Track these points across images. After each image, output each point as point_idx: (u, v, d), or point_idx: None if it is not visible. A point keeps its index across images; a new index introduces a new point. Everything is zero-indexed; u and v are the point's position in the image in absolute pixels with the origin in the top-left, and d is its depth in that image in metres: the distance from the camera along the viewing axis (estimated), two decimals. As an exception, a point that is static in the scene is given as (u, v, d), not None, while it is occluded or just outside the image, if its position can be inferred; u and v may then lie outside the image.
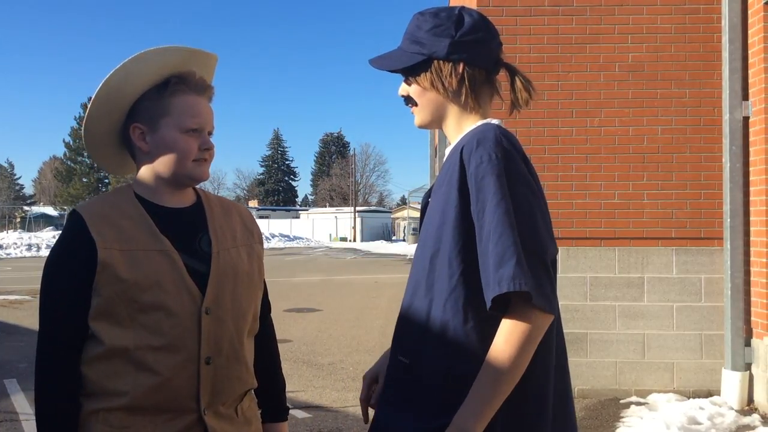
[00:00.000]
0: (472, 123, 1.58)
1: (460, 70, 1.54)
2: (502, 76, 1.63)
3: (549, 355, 1.48)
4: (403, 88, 1.63)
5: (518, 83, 1.59)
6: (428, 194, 1.63)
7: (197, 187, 1.77)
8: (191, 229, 1.66)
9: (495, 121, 1.56)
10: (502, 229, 1.36)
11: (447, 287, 1.45)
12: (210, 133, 1.68)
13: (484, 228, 1.39)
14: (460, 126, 1.59)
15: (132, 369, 1.53)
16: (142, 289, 1.54)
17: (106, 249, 1.54)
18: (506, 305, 1.38)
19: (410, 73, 1.59)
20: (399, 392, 1.53)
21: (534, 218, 1.41)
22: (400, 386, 1.53)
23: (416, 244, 1.59)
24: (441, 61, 1.54)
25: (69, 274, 1.55)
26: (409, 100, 1.62)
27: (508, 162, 1.41)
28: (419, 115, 1.61)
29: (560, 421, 1.51)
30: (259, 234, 1.82)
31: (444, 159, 1.61)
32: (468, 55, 1.54)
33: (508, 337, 1.36)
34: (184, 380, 1.56)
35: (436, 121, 1.61)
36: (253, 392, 1.80)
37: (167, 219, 1.64)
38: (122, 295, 1.53)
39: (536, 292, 1.34)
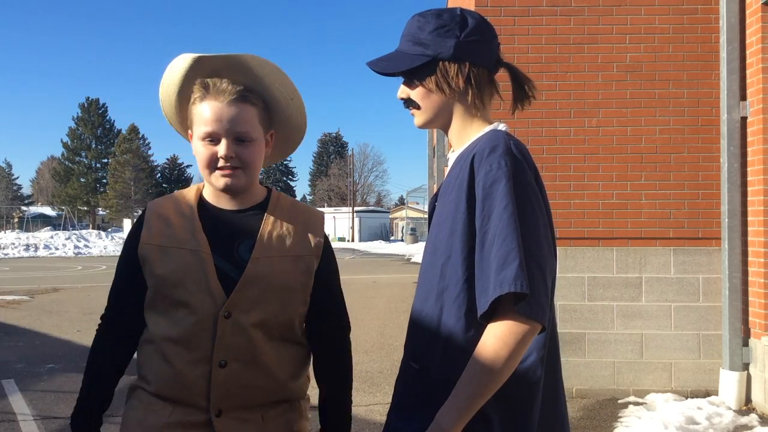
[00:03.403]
0: (477, 126, 1.57)
1: (466, 71, 1.53)
2: (501, 76, 1.63)
3: (542, 360, 1.48)
4: (404, 91, 1.60)
5: (529, 84, 1.61)
6: (435, 198, 1.62)
7: (273, 189, 1.78)
8: (237, 233, 1.66)
9: (502, 127, 1.56)
10: (507, 232, 1.34)
11: (454, 294, 1.46)
12: (240, 139, 1.61)
13: (488, 233, 1.38)
14: (464, 128, 1.58)
15: (158, 359, 1.63)
16: (169, 285, 1.62)
17: (146, 244, 1.66)
18: (495, 312, 1.36)
19: (414, 75, 1.56)
20: (409, 397, 1.54)
21: (537, 229, 1.39)
22: (411, 391, 1.54)
23: (424, 249, 1.58)
24: (447, 62, 1.53)
25: (125, 258, 1.73)
26: (409, 103, 1.60)
27: (517, 171, 1.40)
28: (421, 117, 1.59)
29: (549, 422, 1.51)
30: (322, 248, 1.73)
31: (450, 164, 1.59)
32: (473, 55, 1.53)
33: (498, 341, 1.34)
34: (196, 378, 1.59)
35: (438, 123, 1.60)
36: (302, 406, 1.74)
37: (217, 221, 1.67)
38: (157, 289, 1.63)
39: (533, 299, 1.33)
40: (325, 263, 1.73)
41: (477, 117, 1.57)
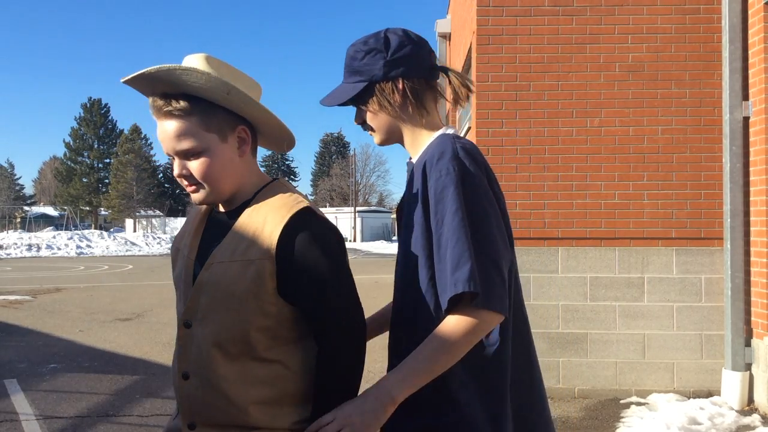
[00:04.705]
0: (426, 133, 1.69)
1: (401, 86, 1.65)
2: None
3: (507, 344, 1.58)
4: (358, 116, 1.73)
5: (455, 81, 1.70)
6: (401, 205, 1.73)
7: (270, 184, 1.64)
8: (218, 236, 1.59)
9: (450, 131, 1.67)
10: (458, 235, 1.46)
11: (422, 292, 1.56)
12: (187, 155, 1.53)
13: (442, 236, 1.49)
14: (415, 138, 1.70)
15: None
16: (175, 289, 1.66)
17: (173, 247, 1.72)
18: (457, 305, 1.48)
19: (358, 101, 1.69)
20: None
21: (489, 226, 1.49)
22: None
23: (397, 254, 1.69)
24: (381, 83, 1.65)
25: None
26: (365, 126, 1.72)
27: (465, 175, 1.50)
28: (377, 137, 1.73)
29: (527, 401, 1.62)
30: (275, 248, 1.49)
31: (408, 171, 1.72)
32: (403, 69, 1.65)
33: (455, 327, 1.45)
34: (176, 387, 1.60)
35: (394, 139, 1.72)
36: None
37: (213, 224, 1.64)
38: None
39: (489, 293, 1.45)
40: (289, 265, 1.49)
41: (424, 125, 1.69)
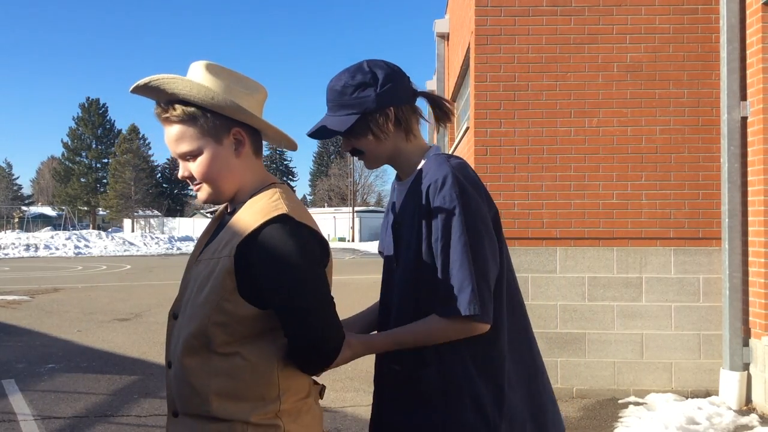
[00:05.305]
0: (416, 155, 1.82)
1: (393, 115, 1.78)
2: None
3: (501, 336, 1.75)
4: (347, 144, 1.83)
5: (444, 105, 1.85)
6: (394, 219, 1.85)
7: (267, 186, 1.67)
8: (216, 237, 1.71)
9: (439, 151, 1.82)
10: (462, 260, 1.65)
11: (428, 303, 1.69)
12: (188, 156, 1.63)
13: (448, 257, 1.66)
14: (406, 159, 1.83)
15: None
16: None
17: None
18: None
19: (352, 133, 1.78)
20: (401, 393, 1.77)
21: (483, 249, 1.67)
22: (400, 390, 1.77)
23: (397, 264, 1.80)
24: (374, 114, 1.76)
25: None
26: (355, 152, 1.84)
27: (466, 200, 1.67)
28: (369, 162, 1.85)
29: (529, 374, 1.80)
30: (235, 247, 1.54)
31: (397, 191, 1.86)
32: (392, 99, 1.77)
33: (446, 329, 1.66)
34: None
35: (383, 162, 1.85)
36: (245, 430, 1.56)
37: (221, 225, 1.72)
38: None
39: (482, 311, 1.64)
40: (248, 268, 1.53)
41: (412, 147, 1.83)
